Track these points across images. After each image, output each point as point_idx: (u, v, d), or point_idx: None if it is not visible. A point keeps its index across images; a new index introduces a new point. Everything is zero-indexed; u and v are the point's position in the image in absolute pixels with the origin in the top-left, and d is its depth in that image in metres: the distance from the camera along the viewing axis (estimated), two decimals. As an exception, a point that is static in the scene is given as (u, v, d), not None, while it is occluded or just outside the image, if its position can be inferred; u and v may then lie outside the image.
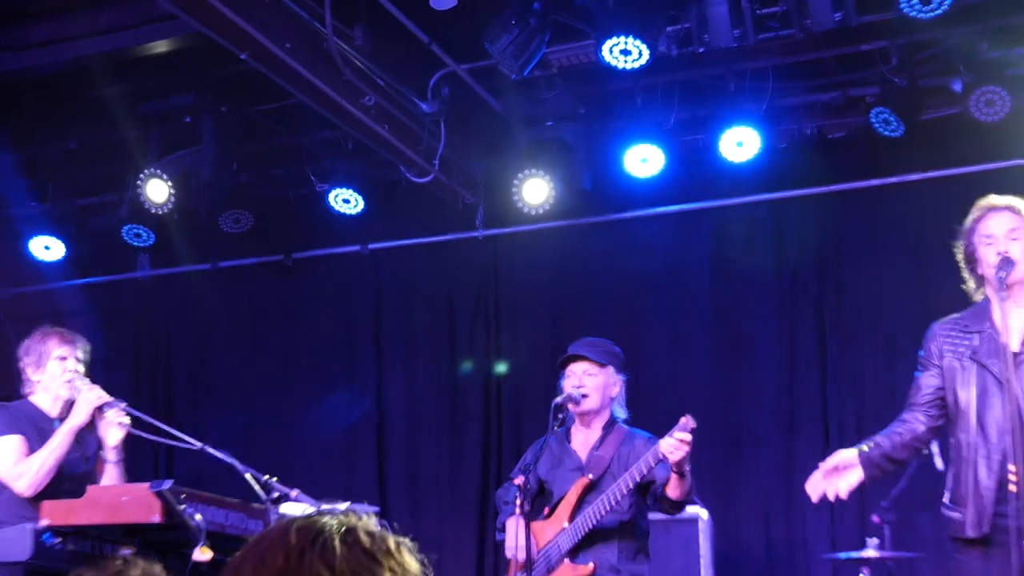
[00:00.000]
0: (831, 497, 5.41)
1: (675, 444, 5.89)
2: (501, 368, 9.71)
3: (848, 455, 5.39)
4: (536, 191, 8.90)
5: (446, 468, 9.69)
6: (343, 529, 2.28)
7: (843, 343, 8.91)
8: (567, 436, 6.59)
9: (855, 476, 5.39)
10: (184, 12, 6.88)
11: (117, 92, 8.67)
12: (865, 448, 5.40)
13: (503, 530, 6.54)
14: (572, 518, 6.35)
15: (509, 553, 6.38)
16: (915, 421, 5.41)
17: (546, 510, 6.53)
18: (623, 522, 6.34)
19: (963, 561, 5.22)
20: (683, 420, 5.95)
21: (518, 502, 6.16)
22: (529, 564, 6.16)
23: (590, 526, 6.26)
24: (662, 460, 6.02)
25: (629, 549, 6.36)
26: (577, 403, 6.41)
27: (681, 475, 6.06)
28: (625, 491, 6.18)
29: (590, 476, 6.38)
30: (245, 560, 2.30)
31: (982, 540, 5.10)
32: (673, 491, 6.15)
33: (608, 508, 6.22)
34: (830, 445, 8.76)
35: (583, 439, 6.56)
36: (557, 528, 6.38)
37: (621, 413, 6.58)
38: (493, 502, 9.10)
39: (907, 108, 8.30)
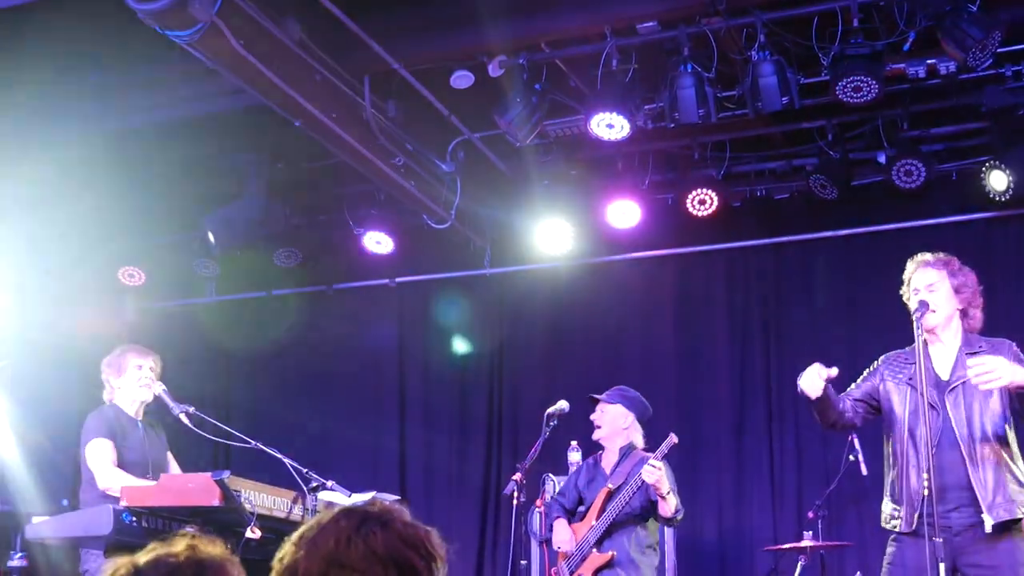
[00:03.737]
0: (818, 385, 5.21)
1: (648, 470, 6.43)
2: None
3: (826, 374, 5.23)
4: (557, 235, 9.02)
5: (455, 466, 9.63)
6: (383, 518, 2.28)
7: (783, 367, 8.86)
8: (598, 460, 7.11)
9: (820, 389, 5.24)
10: (251, 87, 6.90)
11: (193, 150, 8.70)
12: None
13: (551, 530, 7.01)
14: (598, 518, 6.80)
15: (556, 547, 6.90)
16: (849, 404, 5.39)
17: (583, 513, 7.02)
18: (635, 519, 6.79)
19: (897, 549, 5.21)
20: (660, 448, 6.58)
21: (515, 493, 6.60)
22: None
23: (609, 521, 6.73)
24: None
25: (641, 543, 6.80)
26: (595, 435, 7.06)
27: (662, 497, 6.56)
28: (629, 496, 6.67)
29: (610, 485, 6.84)
30: (301, 541, 2.27)
31: (912, 533, 5.10)
32: (661, 509, 6.66)
33: (621, 507, 6.70)
34: (773, 452, 8.74)
35: (607, 460, 7.06)
36: (587, 527, 6.84)
37: (639, 440, 7.01)
38: (494, 495, 9.13)
39: (840, 176, 8.30)
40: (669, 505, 6.60)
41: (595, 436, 7.06)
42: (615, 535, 6.75)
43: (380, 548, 2.24)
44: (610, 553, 6.70)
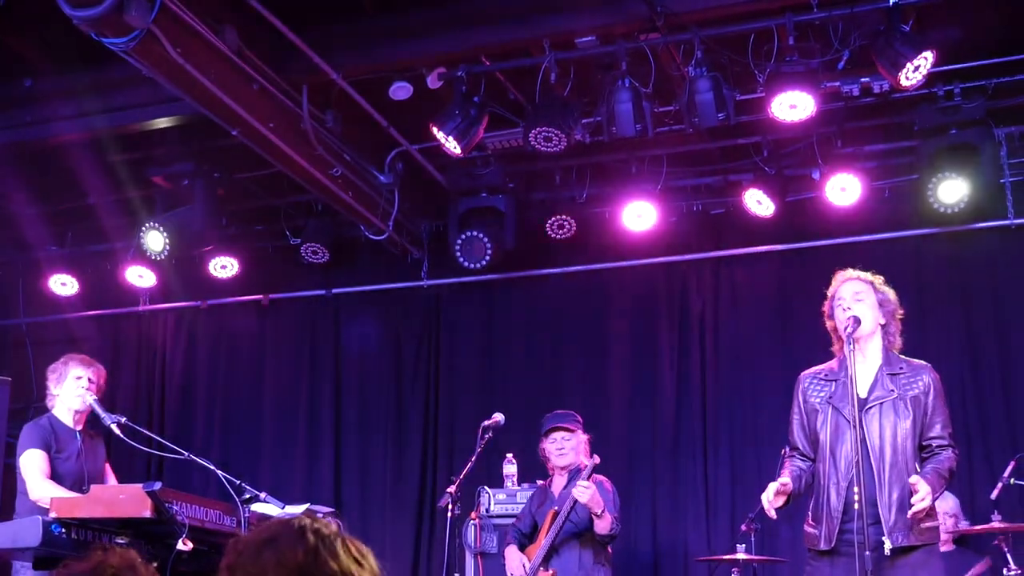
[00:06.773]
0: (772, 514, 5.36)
1: (579, 491, 6.67)
2: None
3: (790, 486, 5.33)
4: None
5: (391, 478, 9.58)
6: (339, 535, 2.36)
7: (719, 381, 8.91)
8: (550, 484, 7.34)
9: (782, 501, 5.36)
10: (188, 95, 6.85)
11: (128, 159, 8.64)
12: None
13: (504, 556, 7.25)
14: (544, 538, 6.98)
15: (509, 574, 7.10)
16: (806, 463, 5.45)
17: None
18: (579, 535, 6.98)
19: (816, 567, 5.27)
20: (585, 470, 6.81)
21: (450, 505, 6.63)
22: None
23: (552, 540, 6.92)
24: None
25: (588, 559, 6.97)
26: (559, 460, 7.24)
27: (596, 516, 6.76)
28: (566, 514, 6.89)
29: (556, 508, 7.02)
30: (261, 554, 2.31)
31: (831, 551, 5.16)
32: (596, 527, 6.85)
33: (561, 524, 6.91)
34: (707, 466, 8.77)
35: (557, 484, 7.27)
36: (536, 548, 7.02)
37: (586, 461, 7.12)
38: (429, 507, 9.09)
39: (775, 191, 8.39)
40: (604, 523, 6.79)
41: (561, 463, 7.21)
42: (562, 552, 6.97)
43: (344, 562, 2.32)
44: (551, 571, 6.88)
